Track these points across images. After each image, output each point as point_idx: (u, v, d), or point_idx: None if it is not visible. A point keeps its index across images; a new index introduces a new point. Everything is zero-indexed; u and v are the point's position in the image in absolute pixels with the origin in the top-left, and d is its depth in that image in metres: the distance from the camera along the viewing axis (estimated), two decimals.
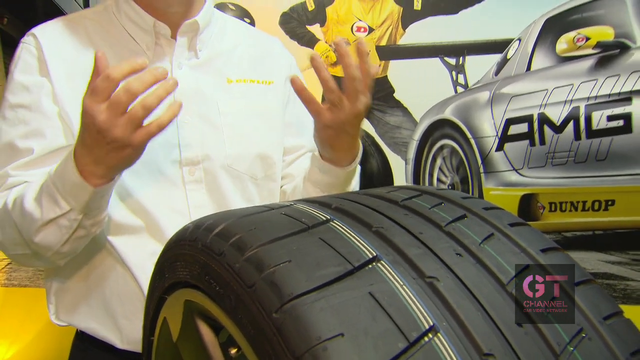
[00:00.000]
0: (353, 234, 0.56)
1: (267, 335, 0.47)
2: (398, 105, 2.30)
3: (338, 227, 0.57)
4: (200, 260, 0.59)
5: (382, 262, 0.52)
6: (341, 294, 0.47)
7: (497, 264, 0.54)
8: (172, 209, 1.04)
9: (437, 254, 0.54)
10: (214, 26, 1.13)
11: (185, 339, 0.70)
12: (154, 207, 1.03)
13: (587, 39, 2.17)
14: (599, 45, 2.17)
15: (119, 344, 1.03)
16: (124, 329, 1.03)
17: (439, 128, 2.37)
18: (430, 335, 0.46)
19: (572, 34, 2.20)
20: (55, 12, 2.13)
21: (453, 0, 2.20)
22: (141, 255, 1.01)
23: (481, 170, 2.31)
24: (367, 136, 2.26)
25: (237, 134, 1.10)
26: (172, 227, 1.02)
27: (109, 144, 0.82)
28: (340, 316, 0.45)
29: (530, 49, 2.26)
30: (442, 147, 2.40)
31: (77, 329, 1.13)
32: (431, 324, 0.46)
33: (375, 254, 0.52)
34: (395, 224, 0.58)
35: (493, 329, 0.48)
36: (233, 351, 0.60)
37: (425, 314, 0.47)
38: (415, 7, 2.23)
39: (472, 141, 2.34)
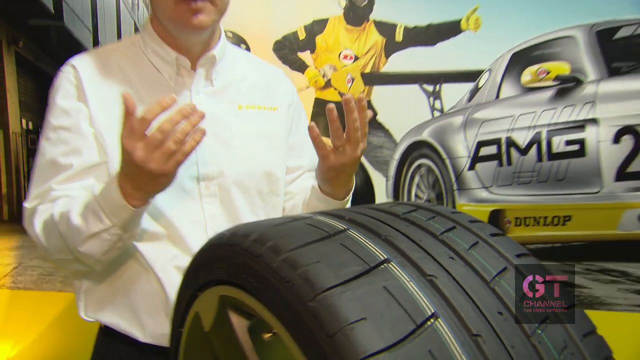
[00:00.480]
0: (367, 241, 0.65)
1: (304, 320, 0.56)
2: (380, 127, 2.37)
3: (354, 235, 0.66)
4: (239, 261, 0.68)
5: (392, 263, 0.61)
6: (362, 287, 0.57)
7: (481, 266, 0.65)
8: (190, 219, 1.12)
9: (435, 257, 0.64)
10: (227, 58, 1.22)
11: (218, 329, 0.78)
12: (175, 217, 1.11)
13: (548, 72, 2.28)
14: (557, 78, 2.28)
15: (141, 337, 1.10)
16: (147, 324, 1.10)
17: (417, 148, 2.44)
18: (432, 320, 0.55)
19: (534, 68, 2.30)
20: (67, 37, 2.19)
21: (431, 33, 2.28)
22: (163, 259, 1.09)
23: (455, 187, 2.38)
24: None
25: (247, 154, 1.19)
26: (190, 234, 1.11)
27: (147, 175, 0.93)
28: (362, 304, 0.55)
29: (499, 79, 2.35)
30: (419, 166, 2.46)
31: (100, 325, 1.19)
32: (432, 311, 0.56)
33: (386, 257, 0.62)
34: (400, 233, 0.68)
35: (479, 315, 0.58)
36: (267, 336, 0.69)
37: (427, 304, 0.57)
38: (396, 39, 2.30)
39: (447, 161, 2.40)
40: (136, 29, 2.25)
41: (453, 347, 0.54)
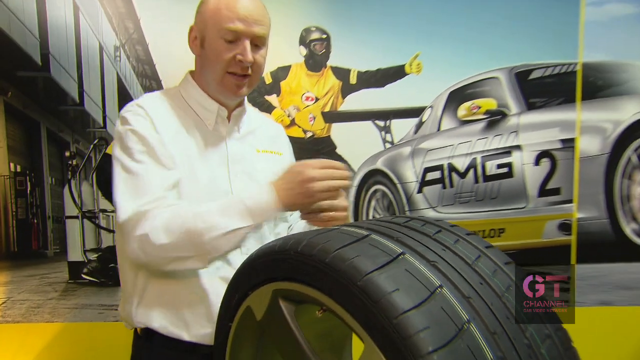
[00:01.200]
0: (385, 241, 0.91)
1: (355, 294, 0.80)
2: (340, 158, 2.58)
3: (375, 238, 0.92)
4: (294, 261, 0.91)
5: (406, 255, 0.88)
6: (392, 270, 0.83)
7: (464, 254, 0.93)
8: None
9: (433, 250, 0.92)
10: (247, 111, 1.48)
11: (269, 316, 1.01)
12: None
13: (479, 107, 2.57)
14: (487, 112, 2.57)
15: (186, 337, 1.29)
16: (191, 326, 1.30)
17: (373, 176, 2.64)
18: (439, 289, 0.82)
19: (468, 104, 2.57)
20: (53, 87, 2.35)
21: (380, 76, 2.53)
22: (208, 272, 1.30)
23: (406, 208, 2.61)
24: None
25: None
26: None
27: (304, 191, 1.19)
28: (395, 280, 0.80)
29: (439, 114, 2.60)
30: (375, 191, 2.68)
31: (138, 332, 1.37)
32: (439, 284, 0.83)
33: (402, 251, 0.88)
34: (405, 235, 0.95)
35: (468, 285, 0.86)
36: (319, 312, 0.93)
37: (435, 279, 0.84)
38: (351, 82, 2.53)
39: (399, 186, 2.63)
40: (118, 79, 2.43)
41: (455, 304, 0.81)
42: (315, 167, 1.18)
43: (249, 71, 1.32)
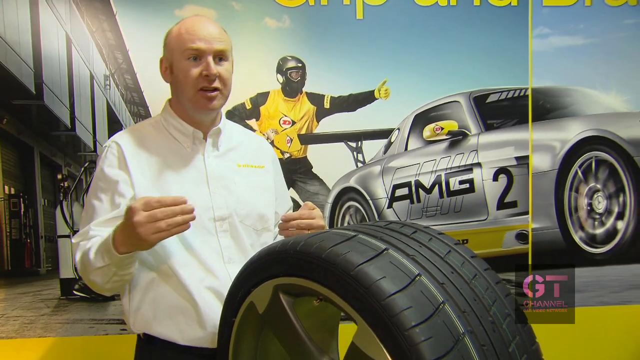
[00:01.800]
0: (371, 240, 1.05)
1: (349, 283, 0.93)
2: (315, 177, 2.71)
3: (362, 237, 1.06)
4: (294, 259, 1.04)
5: (389, 250, 1.02)
6: (378, 262, 0.96)
7: (437, 249, 1.07)
8: (210, 249, 1.44)
9: (411, 246, 1.06)
10: (226, 130, 1.57)
11: (271, 309, 1.13)
12: (200, 249, 1.42)
13: (442, 128, 2.73)
14: (449, 133, 2.74)
15: (180, 341, 1.39)
16: (184, 331, 1.39)
17: (346, 193, 2.77)
18: (418, 277, 0.96)
19: (432, 125, 2.74)
20: (46, 114, 2.43)
21: (351, 101, 2.68)
22: (195, 281, 1.40)
23: None
24: (293, 201, 2.67)
25: (247, 200, 1.51)
26: (211, 261, 1.42)
27: (134, 235, 1.20)
28: (382, 270, 0.94)
29: (406, 135, 2.75)
30: (349, 207, 2.80)
31: (140, 337, 1.45)
32: (418, 272, 0.97)
33: (385, 247, 1.02)
34: (387, 235, 1.10)
35: (442, 274, 1.00)
36: (316, 302, 1.06)
37: (414, 269, 0.98)
38: (325, 106, 2.67)
39: (370, 202, 2.76)
40: (108, 106, 2.53)
41: (432, 289, 0.95)
42: (145, 209, 1.19)
43: (217, 84, 1.42)
